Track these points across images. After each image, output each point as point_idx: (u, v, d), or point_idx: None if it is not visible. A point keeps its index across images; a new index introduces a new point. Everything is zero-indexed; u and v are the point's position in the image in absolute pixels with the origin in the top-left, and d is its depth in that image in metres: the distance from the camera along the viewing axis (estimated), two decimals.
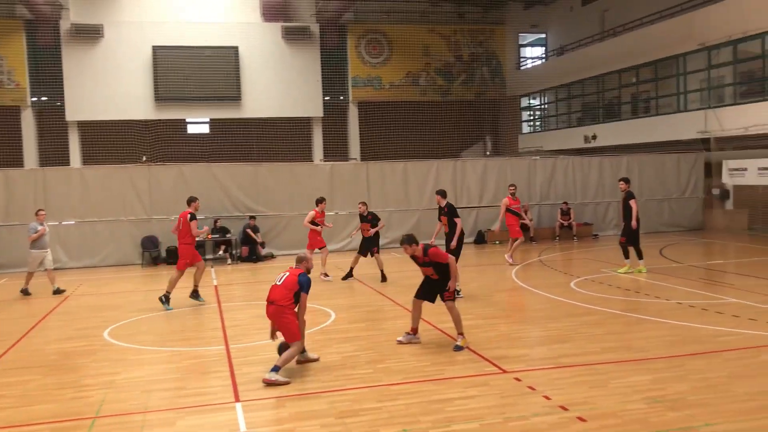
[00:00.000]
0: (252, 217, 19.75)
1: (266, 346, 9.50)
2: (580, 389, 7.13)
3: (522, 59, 37.82)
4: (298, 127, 32.50)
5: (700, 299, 11.85)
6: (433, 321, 10.16)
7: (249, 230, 19.45)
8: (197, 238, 13.21)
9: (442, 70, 35.04)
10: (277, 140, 30.82)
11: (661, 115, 25.84)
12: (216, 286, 15.25)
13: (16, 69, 29.74)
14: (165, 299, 12.45)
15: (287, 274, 8.31)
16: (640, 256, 14.81)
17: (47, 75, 29.85)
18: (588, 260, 17.81)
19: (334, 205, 20.83)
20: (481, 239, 21.84)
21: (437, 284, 9.05)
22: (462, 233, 12.65)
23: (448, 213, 12.75)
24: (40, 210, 15.13)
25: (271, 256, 19.79)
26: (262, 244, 19.67)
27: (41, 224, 14.62)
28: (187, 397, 7.36)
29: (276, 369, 7.75)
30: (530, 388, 7.19)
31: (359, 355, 8.73)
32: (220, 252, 19.56)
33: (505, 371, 7.82)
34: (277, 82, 31.66)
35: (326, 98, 33.17)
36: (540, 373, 7.77)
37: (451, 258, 9.01)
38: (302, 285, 8.16)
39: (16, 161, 28.39)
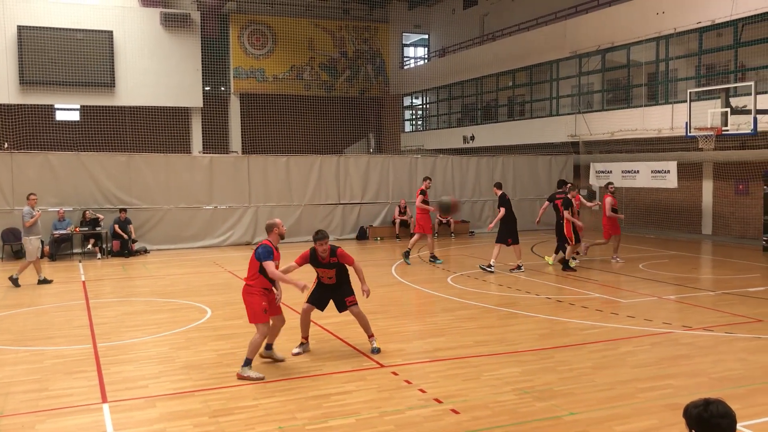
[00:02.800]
0: (123, 210, 18.81)
1: (137, 345, 9.11)
2: (454, 382, 7.31)
3: (405, 58, 38.42)
4: (176, 117, 31.39)
5: (568, 294, 12.48)
6: (313, 316, 10.09)
7: (116, 226, 18.50)
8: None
9: (326, 65, 34.96)
10: (153, 130, 29.60)
11: (535, 119, 27.02)
12: (84, 282, 14.47)
13: None
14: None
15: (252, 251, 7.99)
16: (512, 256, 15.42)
17: None
18: (464, 257, 18.34)
19: (213, 198, 20.31)
20: (363, 235, 22.00)
21: (332, 290, 8.54)
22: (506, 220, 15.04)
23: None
24: (31, 194, 14.41)
25: (145, 251, 18.98)
26: (133, 240, 18.76)
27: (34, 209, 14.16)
28: (49, 399, 6.91)
29: (247, 363, 7.45)
30: (407, 381, 7.30)
31: (236, 352, 8.54)
32: (89, 246, 18.53)
33: (382, 366, 7.90)
34: (155, 69, 30.42)
35: (206, 88, 32.26)
36: (416, 366, 7.91)
37: (357, 261, 8.72)
38: (258, 255, 7.72)
39: None
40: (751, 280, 13.69)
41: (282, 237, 8.04)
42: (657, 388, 7.07)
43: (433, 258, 16.69)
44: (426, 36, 38.04)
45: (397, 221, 22.14)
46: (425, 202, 16.52)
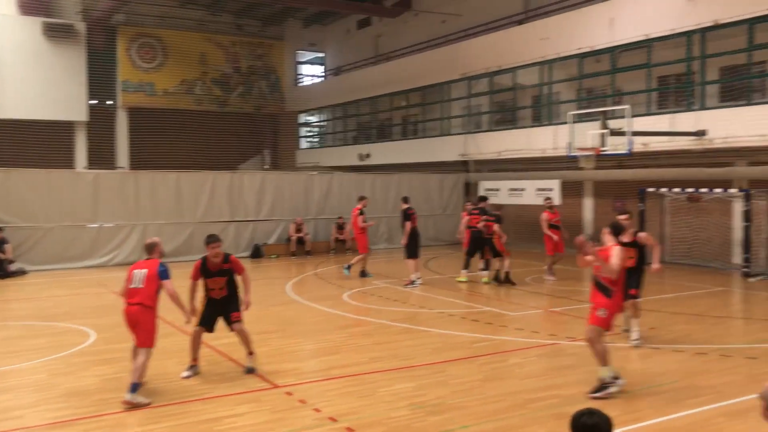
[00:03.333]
0: None
1: (13, 372, 8.55)
2: (349, 400, 7.32)
3: (301, 76, 38.39)
4: (59, 131, 29.87)
5: (459, 308, 12.78)
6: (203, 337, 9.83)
7: None
8: None
9: (219, 81, 34.36)
10: (33, 145, 28.00)
11: (427, 138, 27.64)
12: None
13: None
14: None
15: (144, 270, 7.54)
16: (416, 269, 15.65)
17: None
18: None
19: (98, 216, 19.43)
20: (257, 253, 21.66)
21: (221, 305, 8.30)
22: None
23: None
24: None
25: (23, 272, 17.85)
26: (9, 261, 17.60)
27: None
28: None
29: (134, 388, 7.04)
30: (301, 401, 7.24)
31: (120, 377, 8.18)
32: None
33: (276, 386, 7.79)
34: (36, 81, 28.86)
35: (92, 102, 30.93)
36: (311, 386, 7.85)
37: (246, 270, 8.57)
38: (161, 274, 7.50)
39: None
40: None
41: (162, 256, 7.93)
42: (545, 398, 7.35)
43: (364, 273, 16.84)
44: (321, 54, 38.20)
45: (294, 238, 21.97)
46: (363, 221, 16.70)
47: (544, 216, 16.41)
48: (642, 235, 10.04)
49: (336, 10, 32.47)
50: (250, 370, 8.28)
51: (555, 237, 16.13)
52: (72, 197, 19.04)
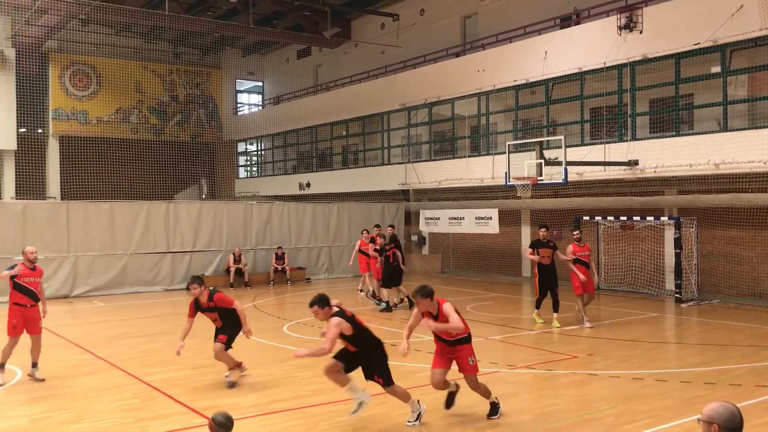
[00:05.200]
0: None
1: None
2: None
3: (239, 105, 38.13)
4: None
5: (398, 339, 12.69)
6: (137, 373, 9.49)
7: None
8: None
9: (156, 109, 33.82)
10: None
11: (368, 167, 27.74)
12: None
13: None
14: None
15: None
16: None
17: None
18: (301, 304, 18.12)
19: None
20: None
21: (217, 330, 9.11)
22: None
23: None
24: None
25: None
26: None
27: None
28: None
29: None
30: None
31: (51, 416, 7.78)
32: None
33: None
34: None
35: (21, 130, 29.93)
36: (251, 420, 7.64)
37: (237, 302, 9.24)
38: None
39: None
40: (568, 318, 14.70)
41: (31, 262, 9.56)
42: (486, 427, 7.32)
43: (375, 298, 17.28)
44: (260, 83, 38.09)
45: (232, 269, 21.56)
46: (376, 249, 17.15)
47: (570, 249, 14.09)
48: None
49: (275, 39, 32.51)
50: (231, 384, 9.03)
51: (582, 275, 13.67)
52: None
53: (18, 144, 29.49)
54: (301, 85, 33.66)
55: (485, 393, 7.69)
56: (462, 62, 23.53)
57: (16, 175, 29.69)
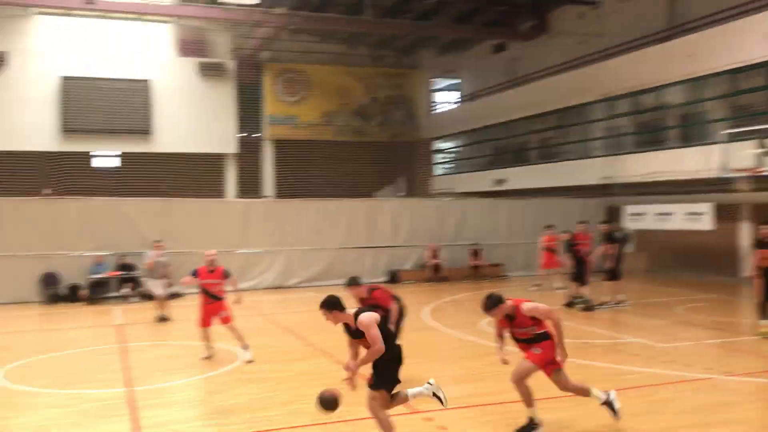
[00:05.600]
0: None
1: (171, 388, 9.14)
2: (488, 429, 7.19)
3: (435, 103, 38.76)
4: (212, 163, 31.96)
5: (603, 339, 12.25)
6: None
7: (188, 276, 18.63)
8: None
9: (357, 111, 35.44)
10: (189, 176, 30.15)
11: (566, 161, 26.91)
12: (119, 326, 14.62)
13: None
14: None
15: None
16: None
17: None
18: None
19: (247, 242, 20.50)
20: (394, 279, 21.94)
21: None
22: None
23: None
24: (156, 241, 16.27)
25: (177, 295, 19.04)
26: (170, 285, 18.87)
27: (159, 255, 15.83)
28: None
29: None
30: (441, 428, 7.20)
31: (268, 396, 8.52)
32: (126, 290, 18.75)
33: (416, 411, 7.80)
34: (191, 116, 31.09)
35: (241, 135, 32.86)
36: (450, 413, 7.79)
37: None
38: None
39: None
40: None
41: (209, 264, 11.04)
42: None
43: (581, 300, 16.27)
44: (457, 81, 38.42)
45: (429, 264, 22.06)
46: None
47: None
48: None
49: (470, 36, 32.62)
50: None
51: None
52: (223, 225, 20.25)
53: (238, 148, 32.42)
54: (498, 79, 33.42)
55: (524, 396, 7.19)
56: (668, 47, 22.00)
57: (237, 176, 32.68)
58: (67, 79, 29.16)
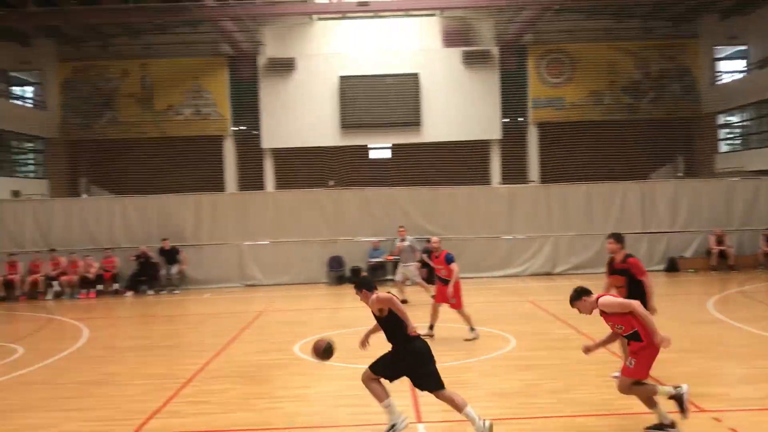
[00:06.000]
0: (428, 240, 19.85)
1: (447, 369, 9.52)
2: None
3: (718, 73, 35.17)
4: (476, 150, 32.53)
5: None
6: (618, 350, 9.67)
7: (425, 255, 19.51)
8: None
9: (628, 88, 33.49)
10: (455, 164, 31.08)
11: None
12: None
13: (220, 101, 32.58)
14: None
15: None
16: None
17: (246, 106, 32.39)
18: None
19: (512, 228, 20.57)
20: (673, 267, 20.45)
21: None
22: None
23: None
24: (399, 226, 17.45)
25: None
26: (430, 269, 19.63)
27: (402, 240, 16.86)
28: (371, 414, 7.54)
29: None
30: (732, 430, 6.59)
31: (541, 384, 8.50)
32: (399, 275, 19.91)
33: (702, 410, 7.24)
34: (456, 106, 31.95)
35: (505, 120, 32.95)
36: (742, 414, 7.10)
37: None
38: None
39: (219, 186, 31.02)
40: None
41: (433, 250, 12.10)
42: None
43: None
44: (743, 47, 34.46)
45: (714, 252, 20.16)
46: None
47: None
48: None
49: None
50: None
51: None
52: (488, 211, 20.55)
53: (502, 133, 32.58)
54: None
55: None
56: None
57: (501, 161, 32.89)
58: (344, 78, 31.70)
